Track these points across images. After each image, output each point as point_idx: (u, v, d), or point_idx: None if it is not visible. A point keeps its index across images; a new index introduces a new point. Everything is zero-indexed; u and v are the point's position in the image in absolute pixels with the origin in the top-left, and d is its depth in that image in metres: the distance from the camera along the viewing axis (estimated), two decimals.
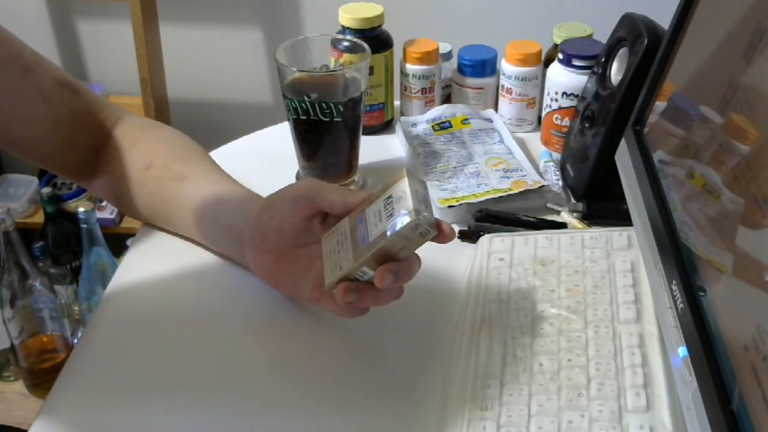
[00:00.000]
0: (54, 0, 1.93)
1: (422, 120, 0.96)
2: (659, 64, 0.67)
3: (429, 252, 0.63)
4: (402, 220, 0.57)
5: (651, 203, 0.63)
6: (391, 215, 0.58)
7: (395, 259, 0.59)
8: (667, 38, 0.66)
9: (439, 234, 0.59)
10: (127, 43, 1.69)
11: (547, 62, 0.94)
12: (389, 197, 0.60)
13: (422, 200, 0.59)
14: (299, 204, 0.65)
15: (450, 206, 0.81)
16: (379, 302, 0.62)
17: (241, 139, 1.00)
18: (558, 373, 0.60)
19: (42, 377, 1.69)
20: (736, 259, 0.50)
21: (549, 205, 0.85)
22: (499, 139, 0.93)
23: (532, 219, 0.80)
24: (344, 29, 0.93)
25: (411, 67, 0.96)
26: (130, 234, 1.69)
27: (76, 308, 1.77)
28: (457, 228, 0.81)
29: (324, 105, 0.80)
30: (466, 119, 0.95)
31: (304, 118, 0.81)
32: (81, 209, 1.55)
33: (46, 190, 1.71)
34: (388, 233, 0.57)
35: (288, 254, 0.67)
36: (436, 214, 0.70)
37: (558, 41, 0.93)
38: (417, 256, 0.61)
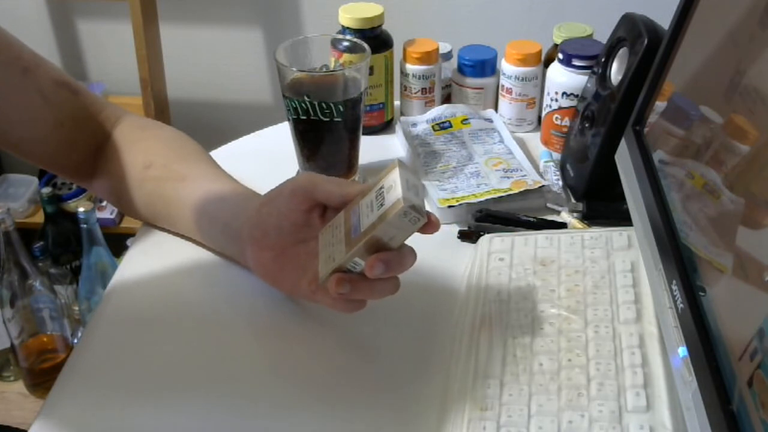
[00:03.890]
0: (54, 0, 1.93)
1: (422, 120, 0.96)
2: (659, 64, 0.67)
3: (429, 252, 0.63)
4: (391, 208, 0.57)
5: (651, 203, 0.63)
6: (382, 204, 0.58)
7: (387, 248, 0.59)
8: (667, 38, 0.66)
9: (426, 223, 0.59)
10: (127, 43, 1.69)
11: (547, 62, 0.94)
12: (381, 187, 0.60)
13: (412, 189, 0.59)
14: (297, 197, 0.65)
15: (450, 206, 0.81)
16: (374, 295, 0.62)
17: (241, 139, 1.00)
18: (558, 373, 0.60)
19: (42, 377, 1.69)
20: (736, 259, 0.50)
21: (549, 205, 0.85)
22: (499, 139, 0.93)
23: (532, 219, 0.80)
24: (344, 29, 0.93)
25: (411, 67, 0.96)
26: (130, 234, 1.69)
27: (76, 308, 1.77)
28: (457, 228, 0.81)
29: (324, 105, 0.80)
30: (466, 119, 0.95)
31: (304, 118, 0.81)
32: (81, 209, 1.55)
33: (46, 190, 1.71)
34: (378, 222, 0.58)
35: (287, 250, 0.67)
36: (436, 214, 0.70)
37: (558, 41, 0.93)
38: (411, 249, 0.61)
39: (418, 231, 0.59)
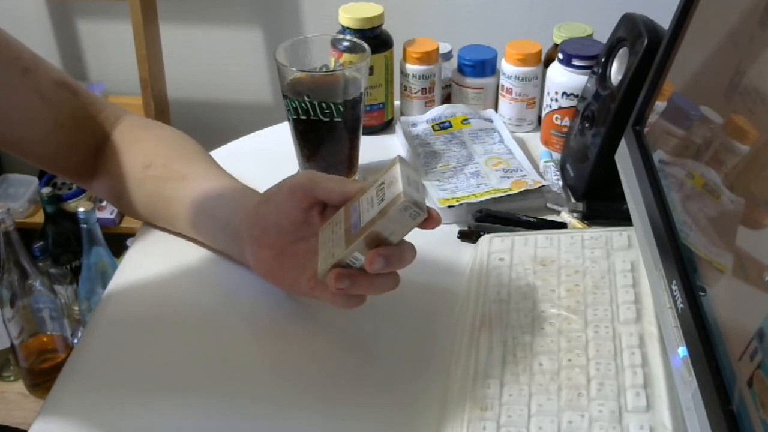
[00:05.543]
0: (54, 0, 1.93)
1: (422, 120, 0.96)
2: (659, 64, 0.67)
3: (429, 252, 0.63)
4: (392, 203, 0.57)
5: (651, 203, 0.63)
6: (382, 200, 0.58)
7: (387, 244, 0.59)
8: (667, 38, 0.66)
9: (427, 218, 0.59)
10: (127, 43, 1.69)
11: (547, 62, 0.94)
12: (381, 183, 0.60)
13: (413, 184, 0.59)
14: (296, 195, 0.65)
15: (450, 206, 0.81)
16: (373, 290, 0.62)
17: (241, 139, 1.00)
18: (558, 373, 0.60)
19: (42, 377, 1.69)
20: (736, 259, 0.50)
21: (549, 205, 0.85)
22: (499, 139, 0.93)
23: (532, 219, 0.80)
24: (344, 29, 0.93)
25: (411, 67, 0.96)
26: (130, 234, 1.69)
27: (76, 308, 1.77)
28: (457, 228, 0.81)
29: (324, 105, 0.80)
30: (466, 119, 0.95)
31: (304, 118, 0.81)
32: (81, 209, 1.55)
33: (46, 190, 1.71)
34: (378, 217, 0.58)
35: (287, 249, 0.67)
36: None
37: (558, 41, 0.93)
38: (411, 244, 0.61)
39: (418, 226, 0.59)
